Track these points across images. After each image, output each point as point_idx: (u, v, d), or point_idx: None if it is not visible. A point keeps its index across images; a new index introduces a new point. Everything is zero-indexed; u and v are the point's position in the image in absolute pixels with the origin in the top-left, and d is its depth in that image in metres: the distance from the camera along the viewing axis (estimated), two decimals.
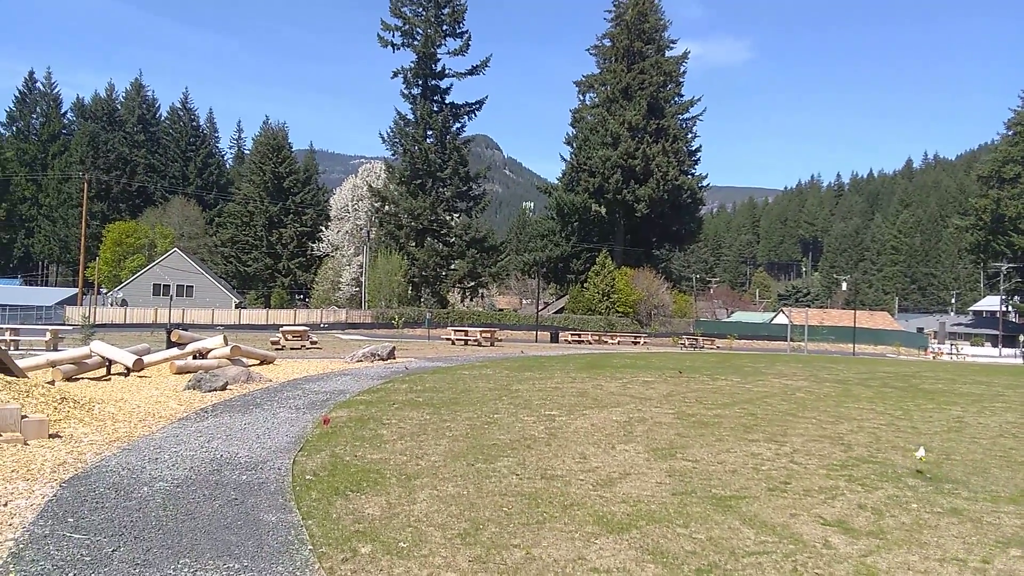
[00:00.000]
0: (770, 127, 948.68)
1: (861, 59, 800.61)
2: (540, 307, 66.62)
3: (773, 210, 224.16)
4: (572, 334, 49.77)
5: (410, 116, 65.34)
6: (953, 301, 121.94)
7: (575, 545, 5.27)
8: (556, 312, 70.23)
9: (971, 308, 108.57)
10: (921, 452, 8.22)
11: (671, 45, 72.46)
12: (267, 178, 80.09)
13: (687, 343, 49.90)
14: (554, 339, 48.72)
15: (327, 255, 71.88)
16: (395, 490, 6.63)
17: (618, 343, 48.02)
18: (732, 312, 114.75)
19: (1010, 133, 73.35)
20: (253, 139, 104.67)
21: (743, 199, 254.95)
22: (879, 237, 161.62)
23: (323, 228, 74.45)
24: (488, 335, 37.74)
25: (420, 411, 11.40)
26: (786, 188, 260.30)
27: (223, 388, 13.19)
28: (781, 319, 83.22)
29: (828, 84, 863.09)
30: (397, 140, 65.87)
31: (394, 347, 23.60)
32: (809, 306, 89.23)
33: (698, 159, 74.35)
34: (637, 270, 65.84)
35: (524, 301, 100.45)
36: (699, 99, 73.02)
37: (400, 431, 9.66)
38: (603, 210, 69.33)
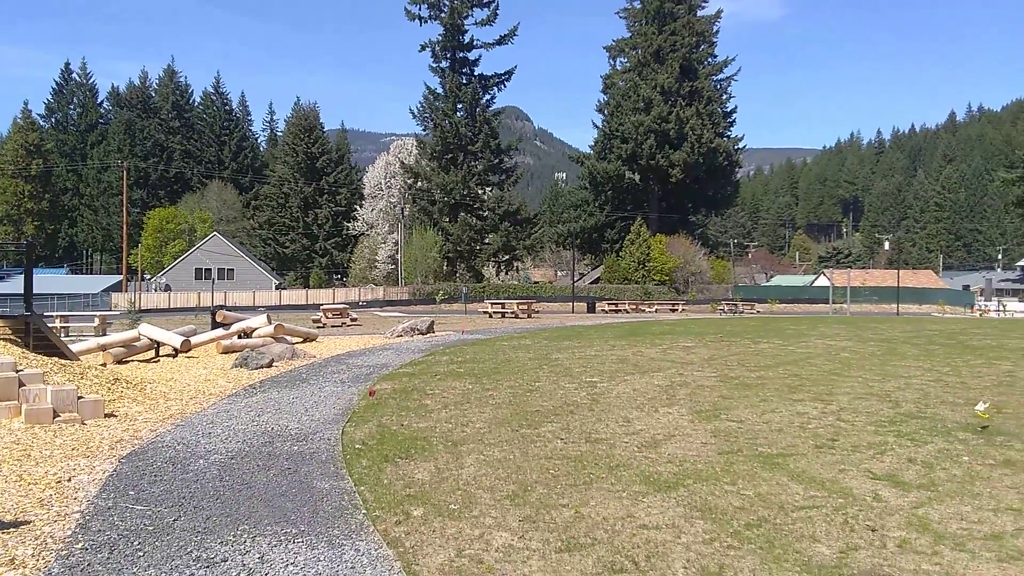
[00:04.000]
0: (807, 85, 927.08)
1: (899, 9, 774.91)
2: (576, 278, 66.46)
3: (812, 170, 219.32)
4: (609, 303, 49.61)
5: (439, 90, 65.20)
6: (1000, 257, 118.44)
7: (623, 504, 5.32)
8: (592, 282, 70.03)
9: (1019, 264, 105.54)
10: (981, 406, 8.05)
11: (703, 4, 70.90)
12: (300, 159, 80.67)
13: (726, 308, 49.44)
14: (591, 309, 48.63)
15: (362, 234, 72.44)
16: (443, 456, 6.74)
17: (656, 311, 47.76)
18: (771, 276, 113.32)
19: None
20: (285, 121, 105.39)
21: (781, 160, 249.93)
22: (922, 194, 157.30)
23: (357, 207, 74.95)
24: (525, 307, 37.82)
25: (462, 381, 11.52)
26: (825, 147, 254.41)
27: (269, 365, 13.46)
28: (822, 281, 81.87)
29: (866, 37, 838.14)
30: (427, 115, 65.86)
31: (433, 321, 23.80)
32: (851, 267, 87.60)
33: (733, 121, 73.10)
34: (673, 237, 65.19)
35: (559, 273, 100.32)
36: (733, 59, 71.64)
37: (444, 400, 9.78)
38: (637, 177, 68.61)
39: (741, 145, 71.72)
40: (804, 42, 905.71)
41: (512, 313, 36.71)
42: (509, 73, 65.93)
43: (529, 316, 36.75)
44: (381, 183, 72.49)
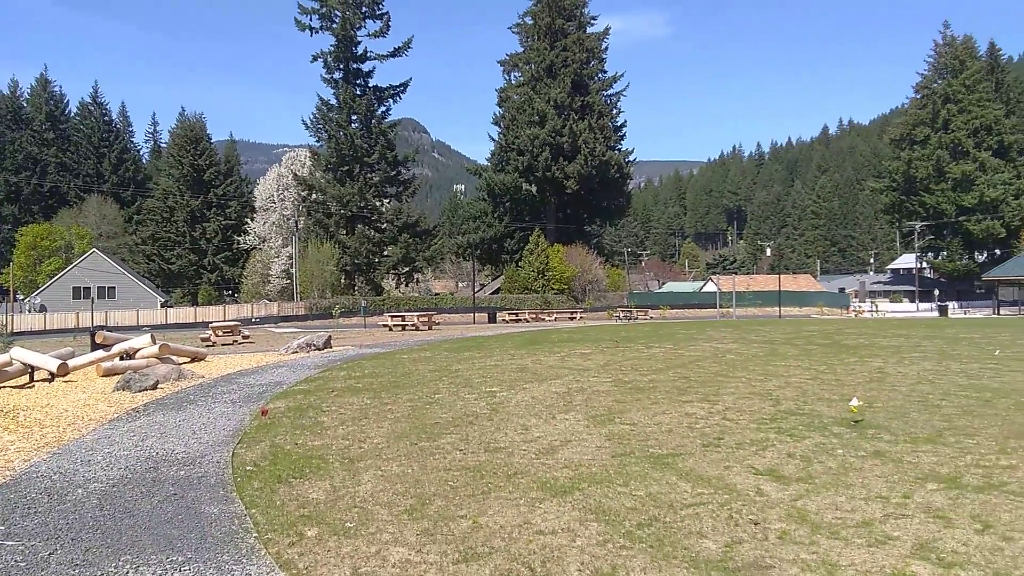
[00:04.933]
0: (693, 100, 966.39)
1: (776, 31, 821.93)
2: (476, 289, 66.64)
3: (698, 182, 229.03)
4: (510, 313, 50.00)
5: (333, 101, 64.12)
6: (872, 261, 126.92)
7: (520, 511, 5.39)
8: (493, 293, 70.39)
9: (889, 267, 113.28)
10: (855, 402, 8.62)
11: (592, 21, 72.74)
12: (186, 171, 77.48)
13: (622, 315, 50.72)
14: (492, 319, 48.86)
15: (254, 248, 70.20)
16: (339, 474, 6.63)
17: (555, 319, 48.49)
18: (664, 283, 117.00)
19: (918, 96, 76.20)
20: (169, 132, 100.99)
21: (669, 172, 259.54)
22: (799, 203, 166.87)
23: (248, 220, 72.60)
24: (426, 319, 37.61)
25: (360, 396, 11.36)
26: (710, 160, 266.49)
27: (154, 387, 12.86)
28: (710, 287, 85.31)
29: (746, 56, 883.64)
30: (321, 126, 64.56)
31: (330, 336, 23.33)
32: (736, 273, 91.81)
33: (624, 134, 75.11)
34: (570, 247, 66.39)
35: (460, 284, 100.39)
36: (622, 75, 73.74)
37: (341, 417, 9.61)
38: (534, 188, 69.53)
39: (632, 158, 73.85)
40: (689, 60, 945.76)
41: (412, 325, 36.43)
42: (404, 85, 65.64)
43: (430, 328, 36.57)
44: (273, 195, 70.49)
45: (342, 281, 61.87)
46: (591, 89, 69.85)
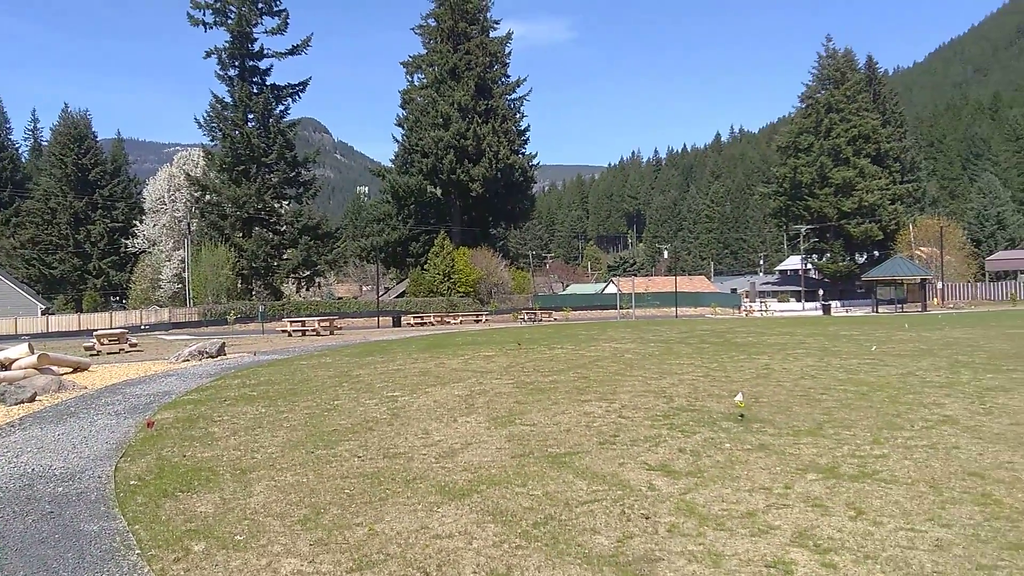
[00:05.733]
0: (594, 105, 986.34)
1: (675, 38, 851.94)
2: (381, 292, 65.86)
3: (600, 186, 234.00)
4: (415, 317, 49.65)
5: (228, 99, 61.97)
6: (762, 263, 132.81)
7: (418, 516, 5.36)
8: (398, 296, 69.67)
9: (777, 268, 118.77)
10: (739, 397, 9.02)
11: (495, 26, 73.14)
12: (69, 171, 73.22)
13: (527, 317, 51.18)
14: (396, 323, 48.38)
15: (143, 251, 67.04)
16: (229, 485, 6.41)
17: (460, 322, 48.45)
18: (567, 285, 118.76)
19: (803, 106, 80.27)
20: (51, 129, 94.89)
21: (572, 176, 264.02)
22: (694, 207, 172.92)
23: (137, 223, 69.25)
24: (327, 324, 36.87)
25: (255, 405, 11.02)
26: (610, 164, 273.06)
27: (31, 399, 12.09)
28: (611, 289, 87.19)
29: (644, 64, 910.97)
30: (215, 125, 62.25)
31: (224, 343, 22.54)
32: (635, 275, 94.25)
33: (527, 138, 75.83)
34: (476, 249, 66.50)
35: (364, 288, 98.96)
36: (525, 79, 74.45)
37: (233, 427, 9.30)
38: (439, 191, 69.29)
39: (535, 162, 74.69)
40: (590, 67, 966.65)
41: (313, 330, 35.62)
42: (304, 84, 64.20)
43: (332, 333, 35.86)
44: (164, 196, 67.45)
45: (239, 286, 59.89)
46: (495, 93, 70.21)
